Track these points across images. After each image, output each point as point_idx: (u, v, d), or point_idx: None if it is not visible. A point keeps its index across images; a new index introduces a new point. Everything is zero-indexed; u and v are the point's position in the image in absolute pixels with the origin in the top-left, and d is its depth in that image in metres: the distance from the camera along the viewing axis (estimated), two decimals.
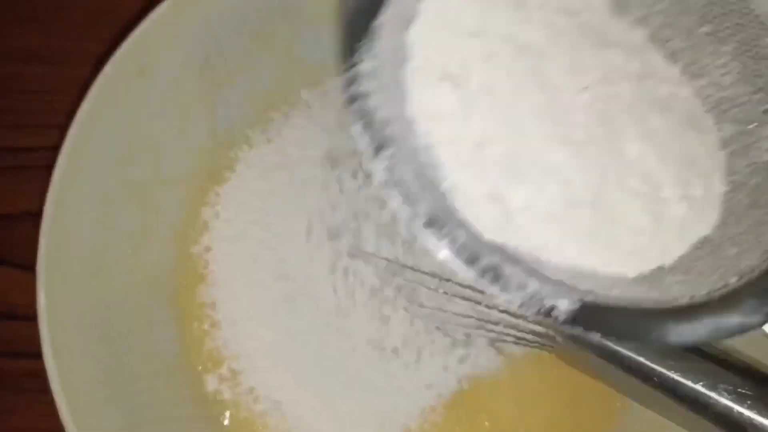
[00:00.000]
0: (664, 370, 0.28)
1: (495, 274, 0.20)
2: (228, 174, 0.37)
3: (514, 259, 0.21)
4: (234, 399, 0.34)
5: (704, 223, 0.23)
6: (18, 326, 0.40)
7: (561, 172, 0.23)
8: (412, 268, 0.34)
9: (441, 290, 0.34)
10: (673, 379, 0.28)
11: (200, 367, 0.35)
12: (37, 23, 0.42)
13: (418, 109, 0.23)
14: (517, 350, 0.35)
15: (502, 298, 0.20)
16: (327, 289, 0.35)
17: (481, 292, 0.32)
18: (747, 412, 0.26)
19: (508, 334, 0.33)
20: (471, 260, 0.20)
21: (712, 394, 0.27)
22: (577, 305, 0.21)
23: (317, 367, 0.34)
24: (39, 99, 0.42)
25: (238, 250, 0.36)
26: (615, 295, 0.22)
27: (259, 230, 0.36)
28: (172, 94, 0.34)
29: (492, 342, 0.35)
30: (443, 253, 0.20)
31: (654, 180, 0.23)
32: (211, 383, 0.34)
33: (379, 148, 0.21)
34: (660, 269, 0.23)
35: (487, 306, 0.33)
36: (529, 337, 0.32)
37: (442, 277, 0.33)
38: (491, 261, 0.20)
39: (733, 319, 0.22)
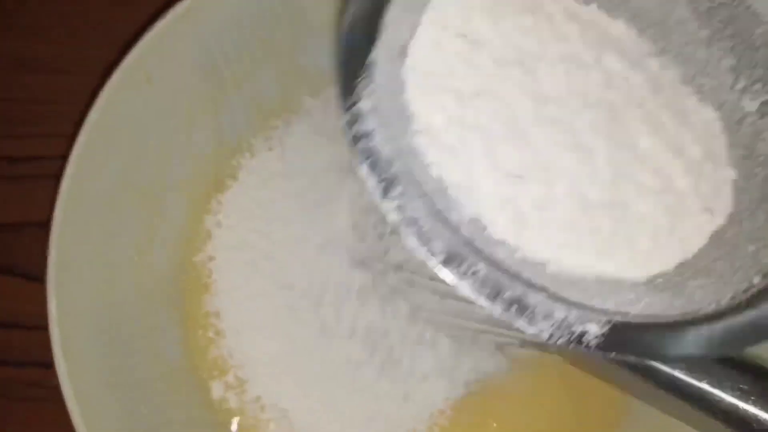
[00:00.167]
0: (668, 370, 0.28)
1: (520, 306, 0.20)
2: (230, 182, 0.37)
3: (535, 285, 0.21)
4: (240, 407, 0.34)
5: (719, 213, 0.23)
6: (24, 335, 0.40)
7: (573, 176, 0.23)
8: (416, 273, 0.34)
9: (447, 296, 0.34)
10: (677, 378, 0.28)
11: (206, 375, 0.35)
12: (42, 33, 0.43)
13: (421, 136, 0.23)
14: (522, 353, 0.36)
15: (530, 332, 0.20)
16: (333, 296, 0.35)
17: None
18: (752, 409, 0.26)
19: (514, 337, 0.33)
20: (494, 294, 0.20)
21: (717, 392, 0.27)
22: (606, 328, 0.21)
23: (323, 374, 0.34)
24: (45, 108, 0.42)
25: (240, 259, 0.36)
26: (641, 311, 0.22)
27: (260, 239, 0.36)
28: (179, 101, 0.34)
29: (498, 345, 0.35)
30: (464, 290, 0.20)
31: (666, 173, 0.23)
32: (217, 391, 0.34)
33: (387, 188, 0.21)
34: (680, 273, 0.23)
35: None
36: (535, 341, 0.32)
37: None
38: (514, 292, 0.20)
39: (765, 321, 0.21)
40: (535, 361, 0.35)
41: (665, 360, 0.24)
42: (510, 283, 0.20)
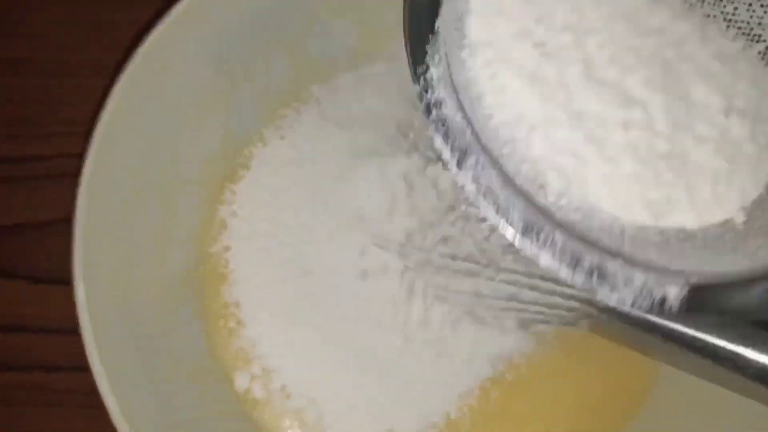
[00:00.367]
0: (702, 335, 0.29)
1: (600, 274, 0.20)
2: (243, 171, 0.37)
3: (611, 251, 0.21)
4: (266, 397, 0.34)
5: None
6: (28, 339, 0.39)
7: (631, 129, 0.23)
8: (437, 253, 0.34)
9: (469, 274, 0.34)
10: (712, 343, 0.29)
11: (229, 367, 0.34)
12: (48, 37, 0.42)
13: (489, 104, 0.23)
14: (546, 330, 0.36)
15: (613, 300, 0.20)
16: (352, 281, 0.35)
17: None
18: None
19: (540, 313, 0.33)
20: (574, 263, 0.20)
21: (751, 354, 0.28)
22: (685, 290, 0.21)
23: (350, 359, 0.34)
24: (52, 110, 0.42)
25: (257, 248, 0.36)
26: (712, 270, 0.22)
27: (276, 227, 0.36)
28: (191, 90, 0.33)
29: (522, 323, 0.35)
30: (545, 260, 0.20)
31: (721, 123, 0.24)
32: (241, 382, 0.34)
33: (462, 158, 0.20)
34: (743, 227, 0.23)
35: (518, 286, 0.33)
36: (563, 313, 0.33)
37: (474, 261, 0.34)
38: (593, 260, 0.20)
39: None
40: (560, 337, 0.36)
41: (740, 317, 0.24)
42: (587, 250, 0.20)
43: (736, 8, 0.24)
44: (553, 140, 0.22)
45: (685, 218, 0.23)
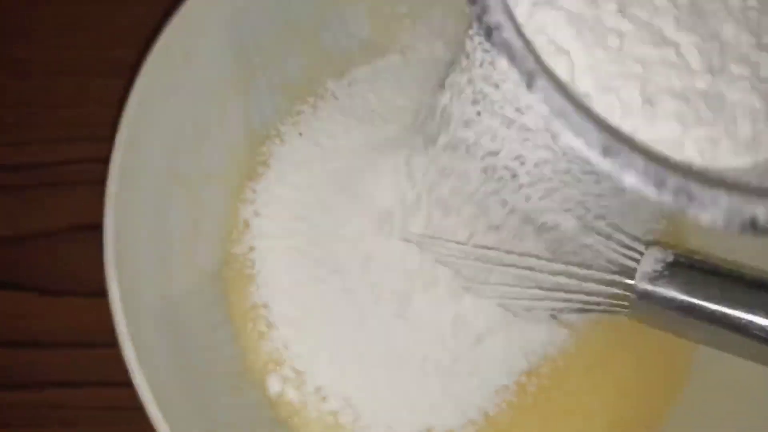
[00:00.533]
0: (742, 314, 0.29)
1: (688, 194, 0.19)
2: (262, 169, 0.36)
3: (692, 173, 0.20)
4: (301, 399, 0.32)
5: None
6: (37, 355, 0.37)
7: (666, 69, 0.22)
8: (467, 244, 0.33)
9: (503, 265, 0.33)
10: (752, 322, 0.29)
11: (261, 370, 0.33)
12: (62, 37, 0.41)
13: (547, 31, 0.22)
14: (578, 320, 0.35)
15: (705, 219, 0.19)
16: (384, 277, 0.34)
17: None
18: None
19: (575, 301, 0.33)
20: (659, 184, 0.19)
21: None
22: None
23: (385, 357, 0.33)
24: (53, 113, 0.40)
25: (283, 247, 0.35)
26: None
27: (302, 225, 0.35)
28: (212, 82, 0.33)
29: (553, 314, 0.35)
30: (630, 181, 0.19)
31: (752, 61, 0.23)
32: (274, 385, 0.33)
33: (531, 81, 0.20)
34: None
35: (551, 273, 0.32)
36: (599, 300, 0.32)
37: (506, 251, 0.33)
38: (678, 181, 0.19)
39: None
40: (592, 327, 0.35)
41: None
42: (669, 172, 0.19)
43: None
44: (594, 77, 0.22)
45: (730, 157, 0.22)
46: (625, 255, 0.31)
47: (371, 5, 0.37)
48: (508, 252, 0.33)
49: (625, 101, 0.22)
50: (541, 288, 0.33)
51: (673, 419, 0.34)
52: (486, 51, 0.25)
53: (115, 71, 0.41)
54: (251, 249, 0.34)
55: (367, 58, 0.38)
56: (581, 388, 0.34)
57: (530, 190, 0.31)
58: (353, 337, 0.33)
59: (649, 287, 0.30)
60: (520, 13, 0.23)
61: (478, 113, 0.28)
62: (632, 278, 0.31)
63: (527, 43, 0.21)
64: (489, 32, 0.20)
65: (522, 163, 0.32)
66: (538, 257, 0.33)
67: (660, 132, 0.22)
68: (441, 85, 0.30)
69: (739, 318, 0.29)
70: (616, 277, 0.31)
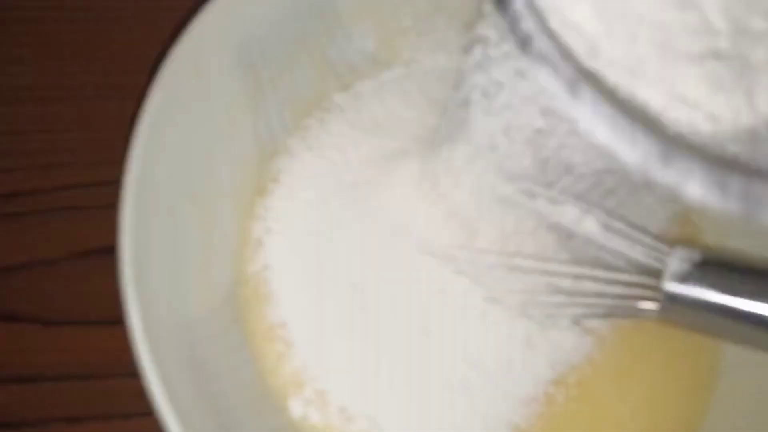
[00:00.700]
0: None
1: (756, 198, 0.18)
2: (272, 186, 0.35)
3: (752, 170, 0.19)
4: (325, 422, 0.31)
5: None
6: (42, 389, 0.36)
7: (688, 31, 0.21)
8: (487, 252, 0.33)
9: (524, 272, 0.32)
10: None
11: (282, 392, 0.31)
12: (56, 62, 0.41)
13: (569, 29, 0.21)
14: (601, 326, 0.34)
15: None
16: (404, 291, 0.33)
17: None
18: None
19: (600, 306, 0.32)
20: (723, 190, 0.18)
21: None
22: None
23: (409, 374, 0.32)
24: (49, 139, 0.40)
25: (298, 264, 0.34)
26: None
27: (316, 241, 0.34)
28: (222, 98, 0.32)
29: (576, 320, 0.34)
30: (693, 192, 0.18)
31: None
32: (296, 408, 0.31)
33: (575, 90, 0.19)
34: None
35: (577, 277, 0.32)
36: (626, 304, 0.31)
37: (527, 257, 0.32)
38: (742, 183, 0.18)
39: None
40: (618, 334, 0.34)
41: None
42: (729, 173, 0.18)
43: None
44: (617, 52, 0.21)
45: (749, 121, 0.21)
46: (650, 256, 0.31)
47: (377, 20, 0.37)
48: (530, 259, 0.32)
49: (645, 65, 0.21)
50: (564, 294, 0.33)
51: (704, 424, 0.33)
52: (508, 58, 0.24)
53: (109, 96, 0.41)
54: (265, 267, 0.33)
55: (372, 72, 0.38)
56: (610, 397, 0.33)
57: (554, 195, 0.31)
58: (375, 355, 0.32)
59: (679, 288, 0.30)
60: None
61: (505, 122, 0.27)
62: (660, 279, 0.30)
63: (563, 48, 0.20)
64: (526, 42, 0.19)
65: (545, 170, 0.31)
66: (560, 262, 0.32)
67: (685, 100, 0.21)
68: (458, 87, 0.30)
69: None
70: (644, 279, 0.30)
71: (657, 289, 0.30)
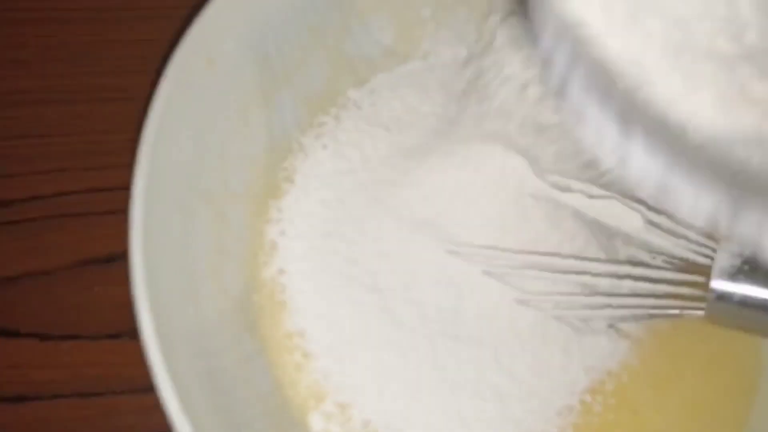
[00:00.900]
0: None
1: None
2: (286, 186, 0.33)
3: None
4: None
5: None
6: (40, 408, 0.33)
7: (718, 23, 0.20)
8: (518, 253, 0.31)
9: (558, 271, 0.30)
10: None
11: (301, 405, 0.29)
12: (54, 65, 0.39)
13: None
14: (639, 330, 0.32)
15: None
16: (430, 293, 0.31)
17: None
18: None
19: (643, 307, 0.30)
20: None
21: None
22: None
23: (436, 382, 0.30)
24: (45, 143, 0.38)
25: (315, 268, 0.31)
26: None
27: (334, 243, 0.32)
28: (234, 92, 0.30)
29: (613, 323, 0.32)
30: (746, 229, 0.16)
31: None
32: (316, 423, 0.29)
33: (625, 125, 0.17)
34: None
35: (617, 277, 0.30)
36: (671, 303, 0.29)
37: (559, 255, 0.30)
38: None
39: None
40: (653, 336, 0.32)
41: None
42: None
43: None
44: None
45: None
46: (696, 252, 0.29)
47: (394, 11, 0.35)
48: (563, 257, 0.30)
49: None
50: (602, 295, 0.31)
51: (745, 429, 0.31)
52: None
53: (111, 98, 0.39)
54: (281, 272, 0.31)
55: (388, 65, 0.36)
56: (649, 406, 0.31)
57: (593, 189, 0.29)
58: (399, 363, 0.30)
59: (729, 285, 0.27)
60: None
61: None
62: (707, 277, 0.28)
63: (607, 84, 0.17)
64: (560, 92, 0.17)
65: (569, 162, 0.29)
66: (598, 260, 0.30)
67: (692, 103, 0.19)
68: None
69: None
70: (691, 277, 0.28)
71: (705, 286, 0.28)
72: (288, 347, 0.30)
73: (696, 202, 0.16)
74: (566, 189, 0.29)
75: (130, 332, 0.25)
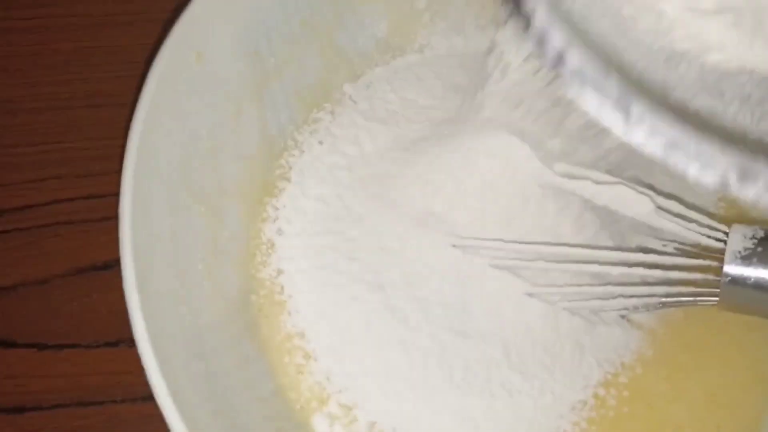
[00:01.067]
0: None
1: None
2: (283, 184, 0.32)
3: None
4: None
5: None
6: (38, 418, 0.32)
7: None
8: (524, 245, 0.30)
9: (563, 266, 0.29)
10: None
11: (304, 408, 0.28)
12: (45, 73, 0.39)
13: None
14: (652, 321, 0.31)
15: None
16: (435, 288, 0.30)
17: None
18: None
19: (655, 295, 0.29)
20: None
21: None
22: None
23: (446, 379, 0.29)
24: (37, 151, 0.37)
25: (314, 267, 0.31)
26: None
27: (333, 240, 0.31)
28: (225, 87, 0.30)
29: (625, 313, 0.31)
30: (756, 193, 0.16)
31: None
32: (320, 425, 0.28)
33: (627, 110, 0.16)
34: None
35: (628, 264, 0.29)
36: (684, 290, 0.28)
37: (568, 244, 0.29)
38: None
39: None
40: (666, 326, 0.31)
41: None
42: None
43: None
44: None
45: None
46: (708, 236, 0.28)
47: (388, 2, 0.35)
48: (572, 247, 0.29)
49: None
50: (612, 284, 0.30)
51: (766, 416, 0.30)
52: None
53: (103, 103, 0.39)
54: (279, 272, 0.30)
55: (384, 59, 0.36)
56: (665, 397, 0.30)
57: (600, 175, 0.28)
58: (404, 362, 0.29)
59: (743, 268, 0.26)
60: None
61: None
62: (720, 261, 0.27)
63: (604, 57, 0.17)
64: (555, 62, 0.16)
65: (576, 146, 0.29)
66: (608, 248, 0.29)
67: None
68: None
69: None
70: (704, 262, 0.27)
71: (718, 271, 0.27)
72: (288, 348, 0.29)
73: (704, 165, 0.16)
74: (574, 177, 0.28)
75: (129, 340, 0.25)
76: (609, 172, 0.28)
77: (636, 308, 0.30)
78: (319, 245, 0.31)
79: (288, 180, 0.32)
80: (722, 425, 0.30)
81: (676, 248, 0.29)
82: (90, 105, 0.39)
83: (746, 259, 0.26)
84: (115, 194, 0.27)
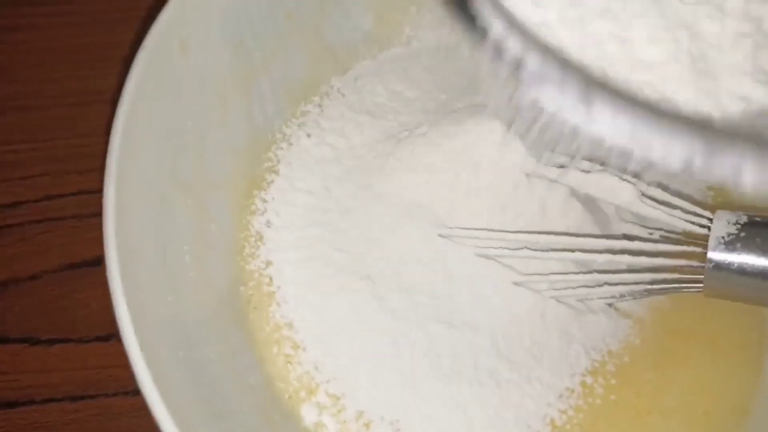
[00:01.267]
0: None
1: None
2: (270, 177, 0.32)
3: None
4: (342, 428, 0.28)
5: None
6: (30, 413, 0.32)
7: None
8: (512, 234, 0.30)
9: (549, 254, 0.29)
10: None
11: (293, 398, 0.28)
12: (34, 70, 0.39)
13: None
14: (640, 309, 0.31)
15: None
16: (423, 278, 0.30)
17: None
18: None
19: (641, 283, 0.29)
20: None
21: None
22: None
23: (432, 370, 0.29)
24: (27, 149, 0.37)
25: (302, 258, 0.31)
26: None
27: (321, 231, 0.31)
28: (210, 79, 0.30)
29: (611, 301, 0.31)
30: (747, 180, 0.16)
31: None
32: (308, 415, 0.28)
33: (588, 101, 0.16)
34: None
35: (613, 252, 0.29)
36: (669, 277, 0.29)
37: (554, 233, 0.29)
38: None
39: None
40: (653, 313, 0.32)
41: None
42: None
43: None
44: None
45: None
46: (692, 221, 0.28)
47: None
48: (558, 235, 0.29)
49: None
50: (597, 272, 0.30)
51: (754, 403, 0.30)
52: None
53: (92, 101, 0.39)
54: (268, 264, 0.31)
55: (371, 52, 0.36)
56: (654, 385, 0.30)
57: (586, 164, 0.28)
58: (392, 351, 0.29)
59: (726, 254, 0.27)
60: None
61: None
62: (704, 247, 0.27)
63: (562, 59, 0.17)
64: (516, 66, 0.17)
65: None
66: (593, 236, 0.29)
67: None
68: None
69: None
70: (689, 248, 0.28)
71: (703, 257, 0.27)
72: (277, 339, 0.29)
73: (668, 156, 0.16)
74: (559, 165, 0.29)
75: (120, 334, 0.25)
76: (592, 160, 0.28)
77: (622, 296, 0.30)
78: (307, 237, 0.31)
79: (276, 173, 0.32)
80: (710, 411, 0.30)
81: (661, 236, 0.29)
82: (79, 102, 0.39)
83: (730, 244, 0.27)
84: None
